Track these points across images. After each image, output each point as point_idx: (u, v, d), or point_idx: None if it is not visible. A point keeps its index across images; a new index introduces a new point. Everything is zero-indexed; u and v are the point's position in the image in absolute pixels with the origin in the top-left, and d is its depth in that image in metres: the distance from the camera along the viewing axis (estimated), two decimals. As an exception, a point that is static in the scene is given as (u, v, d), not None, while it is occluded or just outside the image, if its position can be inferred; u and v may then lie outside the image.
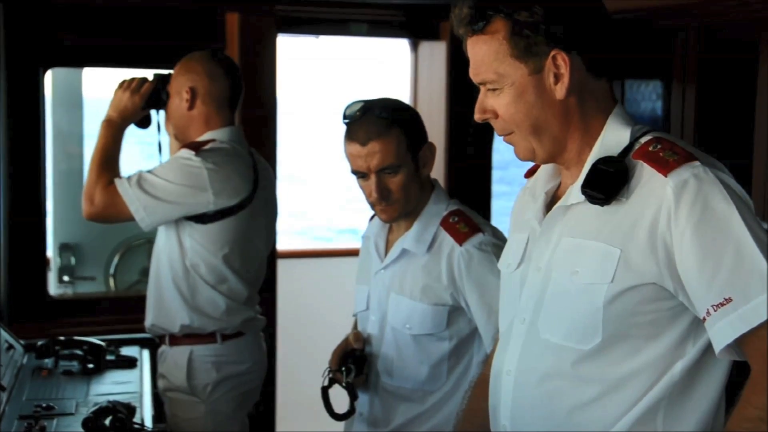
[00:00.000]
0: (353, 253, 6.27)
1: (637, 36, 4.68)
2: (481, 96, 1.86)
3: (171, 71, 3.51)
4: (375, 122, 2.66)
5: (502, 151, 3.43)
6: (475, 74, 1.84)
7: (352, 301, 2.94)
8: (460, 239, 2.64)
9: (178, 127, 3.48)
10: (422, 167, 2.72)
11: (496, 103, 1.83)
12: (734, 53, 4.45)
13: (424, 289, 2.67)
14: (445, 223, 2.69)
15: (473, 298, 2.61)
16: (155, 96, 3.49)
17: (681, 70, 4.57)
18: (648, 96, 4.86)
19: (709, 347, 1.73)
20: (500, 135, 1.87)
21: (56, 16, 4.41)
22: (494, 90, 1.82)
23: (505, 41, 1.78)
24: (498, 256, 2.39)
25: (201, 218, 3.34)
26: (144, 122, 3.57)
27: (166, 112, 3.51)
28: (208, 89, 3.43)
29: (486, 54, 1.80)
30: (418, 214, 2.74)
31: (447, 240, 2.67)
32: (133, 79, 3.51)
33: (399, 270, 2.73)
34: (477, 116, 1.87)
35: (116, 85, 3.52)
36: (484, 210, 5.21)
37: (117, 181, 3.32)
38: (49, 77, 4.58)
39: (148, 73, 3.65)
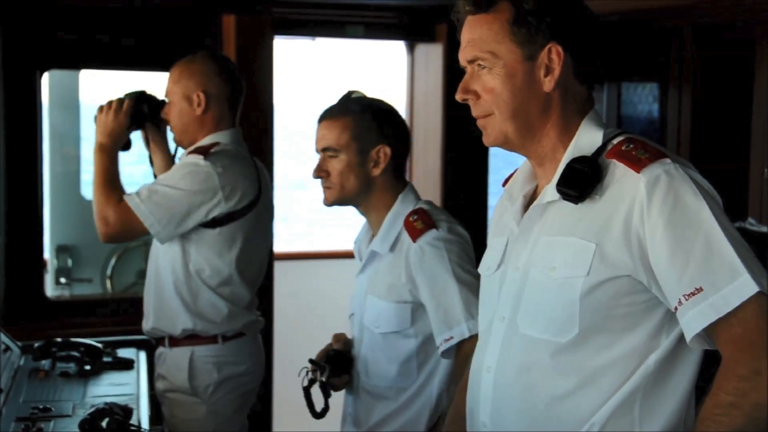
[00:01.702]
0: (350, 255, 6.30)
1: (633, 38, 4.69)
2: (466, 77, 1.91)
3: (141, 90, 3.50)
4: (337, 108, 2.79)
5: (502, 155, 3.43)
6: (469, 50, 1.89)
7: (348, 303, 2.96)
8: (415, 236, 2.68)
9: (185, 132, 3.43)
10: (372, 166, 2.76)
11: (485, 80, 1.87)
12: (730, 53, 4.46)
13: (389, 287, 2.71)
14: (406, 222, 2.73)
15: (424, 294, 2.64)
16: (138, 112, 3.48)
17: (677, 72, 4.58)
18: (645, 98, 4.87)
19: (682, 339, 1.78)
20: (477, 116, 1.92)
21: (53, 18, 4.41)
22: (483, 68, 1.87)
23: (507, 24, 1.85)
24: (450, 251, 2.61)
25: (210, 223, 3.33)
26: (126, 146, 3.54)
27: (168, 119, 3.48)
28: (220, 90, 3.42)
29: (486, 33, 1.86)
30: (385, 216, 2.78)
31: (405, 238, 2.71)
32: (110, 102, 3.47)
33: (372, 272, 2.78)
34: (459, 95, 1.92)
35: (96, 112, 3.49)
36: (481, 211, 5.21)
37: (127, 197, 3.28)
38: (46, 79, 4.58)
39: (145, 75, 3.67)
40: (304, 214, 21.64)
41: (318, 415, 2.86)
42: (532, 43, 1.84)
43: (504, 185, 2.10)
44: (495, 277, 1.98)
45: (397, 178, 2.82)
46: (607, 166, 1.81)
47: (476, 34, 1.87)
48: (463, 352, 2.54)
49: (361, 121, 2.75)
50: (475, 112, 1.91)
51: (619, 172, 1.80)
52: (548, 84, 1.85)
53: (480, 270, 2.08)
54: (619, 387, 1.80)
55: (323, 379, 2.81)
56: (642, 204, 1.74)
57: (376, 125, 2.76)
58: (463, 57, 1.91)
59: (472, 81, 1.89)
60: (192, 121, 3.42)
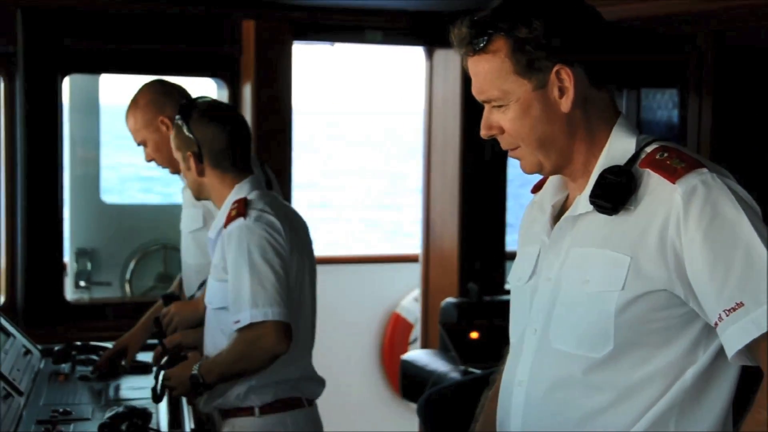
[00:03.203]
0: (352, 260, 6.30)
1: (652, 44, 4.68)
2: (486, 112, 1.86)
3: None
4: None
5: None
6: (479, 92, 1.85)
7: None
8: (227, 222, 2.91)
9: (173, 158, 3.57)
10: (193, 170, 3.00)
11: (501, 119, 1.84)
12: (750, 58, 4.44)
13: (215, 268, 2.95)
14: (229, 210, 2.94)
15: (229, 275, 2.86)
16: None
17: (697, 78, 4.56)
18: (665, 104, 4.85)
19: (719, 354, 1.74)
20: (506, 149, 1.89)
21: (74, 23, 4.43)
22: (500, 107, 1.83)
23: (507, 59, 1.79)
24: (251, 239, 2.82)
25: None
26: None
27: (154, 159, 3.53)
28: (174, 106, 3.52)
29: (489, 72, 1.81)
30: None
31: (224, 224, 2.94)
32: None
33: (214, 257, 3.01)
34: (483, 132, 1.88)
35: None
36: (500, 216, 5.21)
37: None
38: (66, 83, 4.61)
39: (165, 78, 3.69)
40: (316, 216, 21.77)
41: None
42: (537, 71, 1.78)
43: (533, 192, 2.06)
44: (526, 287, 1.94)
45: (229, 173, 2.98)
46: (641, 176, 1.77)
47: (480, 75, 1.83)
48: (251, 333, 2.80)
49: (177, 131, 3.01)
50: (503, 146, 1.88)
51: (653, 183, 1.75)
52: (566, 105, 1.80)
53: (510, 280, 2.05)
54: (655, 403, 1.76)
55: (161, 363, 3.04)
56: (678, 216, 1.70)
57: (184, 132, 2.98)
58: (474, 93, 1.87)
59: (491, 116, 1.85)
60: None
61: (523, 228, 2.06)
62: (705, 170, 1.73)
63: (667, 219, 1.71)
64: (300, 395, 2.99)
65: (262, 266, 2.82)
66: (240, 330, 2.82)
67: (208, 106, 3.04)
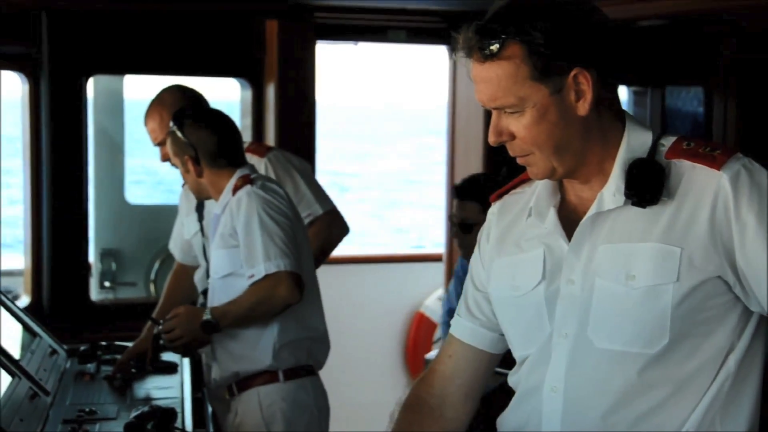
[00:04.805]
0: (376, 260, 6.30)
1: (677, 42, 4.66)
2: (494, 118, 1.81)
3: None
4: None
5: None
6: (491, 99, 1.78)
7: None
8: (235, 190, 3.12)
9: None
10: (193, 172, 3.18)
11: (514, 125, 1.78)
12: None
13: (221, 237, 3.14)
14: (234, 185, 3.15)
15: (239, 235, 3.07)
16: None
17: (722, 76, 4.54)
18: (689, 102, 4.82)
19: (754, 338, 1.75)
20: (516, 156, 1.83)
21: (98, 25, 4.46)
22: (513, 113, 1.78)
23: (523, 64, 1.73)
24: (259, 201, 3.05)
25: None
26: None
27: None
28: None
29: (503, 79, 1.75)
30: None
31: (231, 196, 3.13)
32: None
33: (214, 231, 3.21)
34: (492, 139, 1.82)
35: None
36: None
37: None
38: (90, 83, 4.63)
39: (188, 81, 3.70)
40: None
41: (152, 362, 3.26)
42: (554, 75, 1.73)
43: (494, 200, 2.03)
44: (536, 293, 1.87)
45: (226, 169, 3.16)
46: (669, 167, 1.75)
47: (494, 82, 1.76)
48: (267, 282, 2.99)
49: (173, 138, 3.19)
50: (513, 153, 1.82)
51: (687, 172, 1.74)
52: (583, 108, 1.76)
53: (500, 290, 1.96)
54: (705, 393, 1.75)
55: (155, 332, 3.17)
56: (726, 201, 1.70)
57: (179, 138, 3.17)
58: (482, 101, 1.80)
59: (501, 122, 1.80)
60: None
61: (498, 237, 1.98)
62: (740, 155, 1.74)
63: (714, 205, 1.71)
64: (312, 363, 3.21)
65: (270, 224, 3.04)
66: (255, 283, 3.02)
67: (198, 112, 3.27)
